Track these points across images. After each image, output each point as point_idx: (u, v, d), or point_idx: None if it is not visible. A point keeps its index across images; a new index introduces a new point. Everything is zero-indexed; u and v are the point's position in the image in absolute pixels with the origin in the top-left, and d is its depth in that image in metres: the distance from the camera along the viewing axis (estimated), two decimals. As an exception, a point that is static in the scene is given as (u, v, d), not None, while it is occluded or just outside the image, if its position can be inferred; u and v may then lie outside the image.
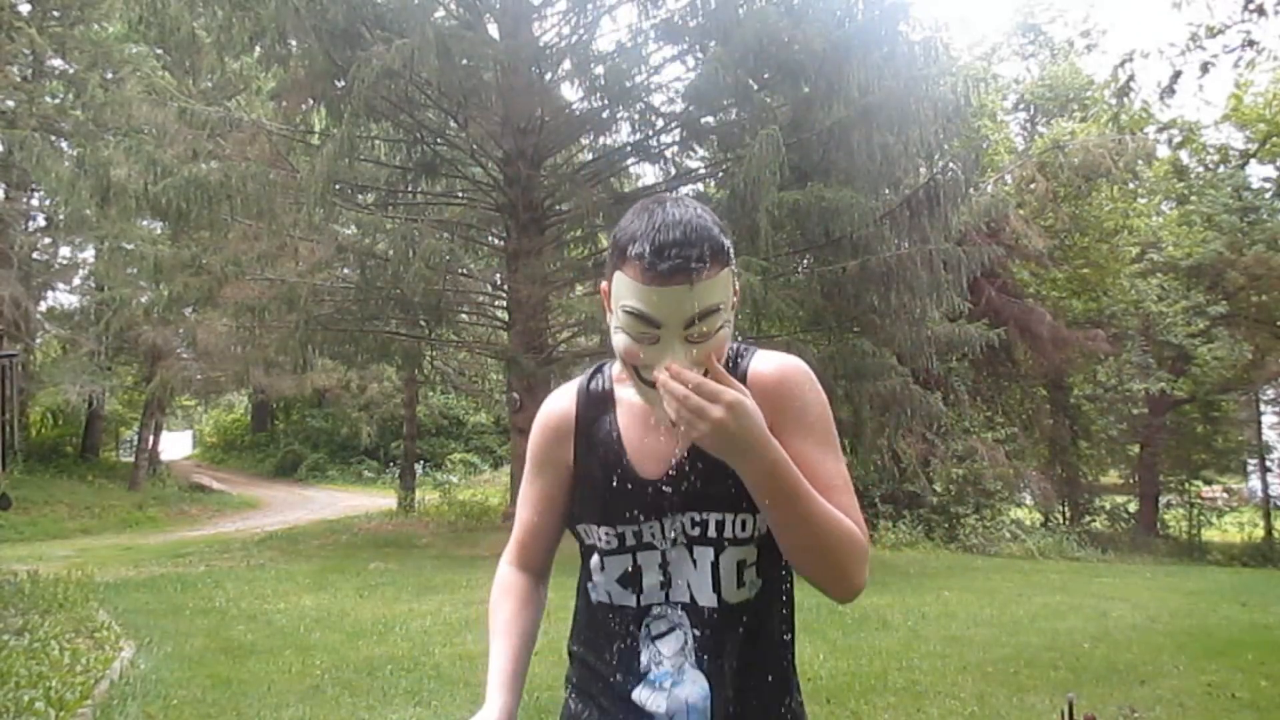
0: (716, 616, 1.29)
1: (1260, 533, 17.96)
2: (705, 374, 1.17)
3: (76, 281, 22.39)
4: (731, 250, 1.23)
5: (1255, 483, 20.49)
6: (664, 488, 1.29)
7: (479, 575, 9.05)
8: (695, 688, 1.29)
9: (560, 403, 1.39)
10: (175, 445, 31.47)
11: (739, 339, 1.37)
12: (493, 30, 12.20)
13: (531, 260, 11.95)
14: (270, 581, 8.69)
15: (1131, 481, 19.34)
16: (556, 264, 13.50)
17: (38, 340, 20.92)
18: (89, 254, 21.57)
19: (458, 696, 4.63)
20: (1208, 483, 19.33)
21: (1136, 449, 18.65)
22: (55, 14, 19.75)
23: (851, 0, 10.61)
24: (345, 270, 12.93)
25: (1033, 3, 22.80)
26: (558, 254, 13.78)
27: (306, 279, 11.52)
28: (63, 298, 22.87)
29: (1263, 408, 19.69)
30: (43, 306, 21.24)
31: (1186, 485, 18.42)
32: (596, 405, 1.37)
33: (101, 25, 19.80)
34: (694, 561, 1.30)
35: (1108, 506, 18.27)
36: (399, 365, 16.26)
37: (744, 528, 1.29)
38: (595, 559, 1.35)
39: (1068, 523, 16.68)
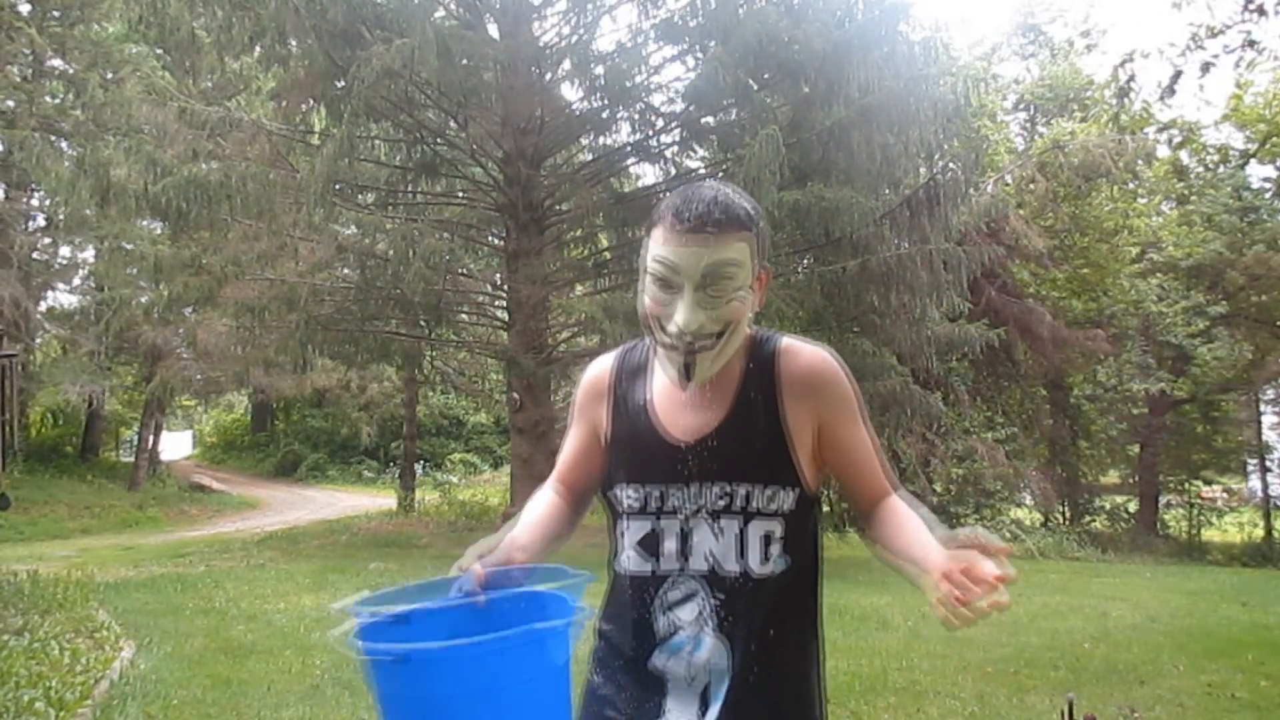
0: (739, 585, 1.34)
1: (1260, 533, 17.95)
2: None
3: (76, 281, 22.38)
4: (757, 225, 1.35)
5: (1255, 483, 20.47)
6: (691, 454, 1.36)
7: (479, 575, 9.03)
8: (715, 654, 1.34)
9: (601, 366, 1.52)
10: (175, 445, 31.44)
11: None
12: (493, 30, 12.19)
13: (531, 260, 11.95)
14: (270, 581, 8.69)
15: (1131, 481, 19.31)
16: (556, 264, 13.48)
17: (38, 340, 20.90)
18: (89, 254, 21.56)
19: (458, 696, 4.61)
20: (1208, 483, 19.30)
21: (1136, 449, 18.63)
22: (55, 14, 19.74)
23: (851, 0, 10.61)
24: (345, 270, 12.92)
25: (1033, 3, 22.83)
26: (558, 254, 13.77)
27: (306, 279, 11.51)
28: (63, 298, 22.88)
29: (1263, 408, 19.68)
30: (43, 306, 21.22)
31: (1186, 485, 18.39)
32: (633, 372, 1.47)
33: (101, 25, 19.79)
34: (719, 531, 1.35)
35: (1108, 506, 18.25)
36: (399, 365, 16.26)
37: (770, 501, 1.35)
38: (623, 522, 1.41)
39: (1068, 523, 16.67)
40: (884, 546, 1.37)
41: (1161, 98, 8.17)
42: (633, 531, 1.39)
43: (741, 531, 1.34)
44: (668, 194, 1.39)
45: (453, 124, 12.05)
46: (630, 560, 1.39)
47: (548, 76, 11.98)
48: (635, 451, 1.40)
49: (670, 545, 1.36)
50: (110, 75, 18.33)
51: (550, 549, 1.47)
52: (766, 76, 10.88)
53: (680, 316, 1.30)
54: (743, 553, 1.34)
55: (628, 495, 1.40)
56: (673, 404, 1.39)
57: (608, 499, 1.45)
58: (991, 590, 1.09)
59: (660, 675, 1.35)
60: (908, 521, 1.33)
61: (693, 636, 1.34)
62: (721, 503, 1.34)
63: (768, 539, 1.34)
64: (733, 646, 1.33)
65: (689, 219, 1.29)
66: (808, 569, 1.40)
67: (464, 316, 14.91)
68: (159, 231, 17.59)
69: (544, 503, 1.53)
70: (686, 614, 1.35)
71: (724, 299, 1.30)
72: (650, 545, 1.37)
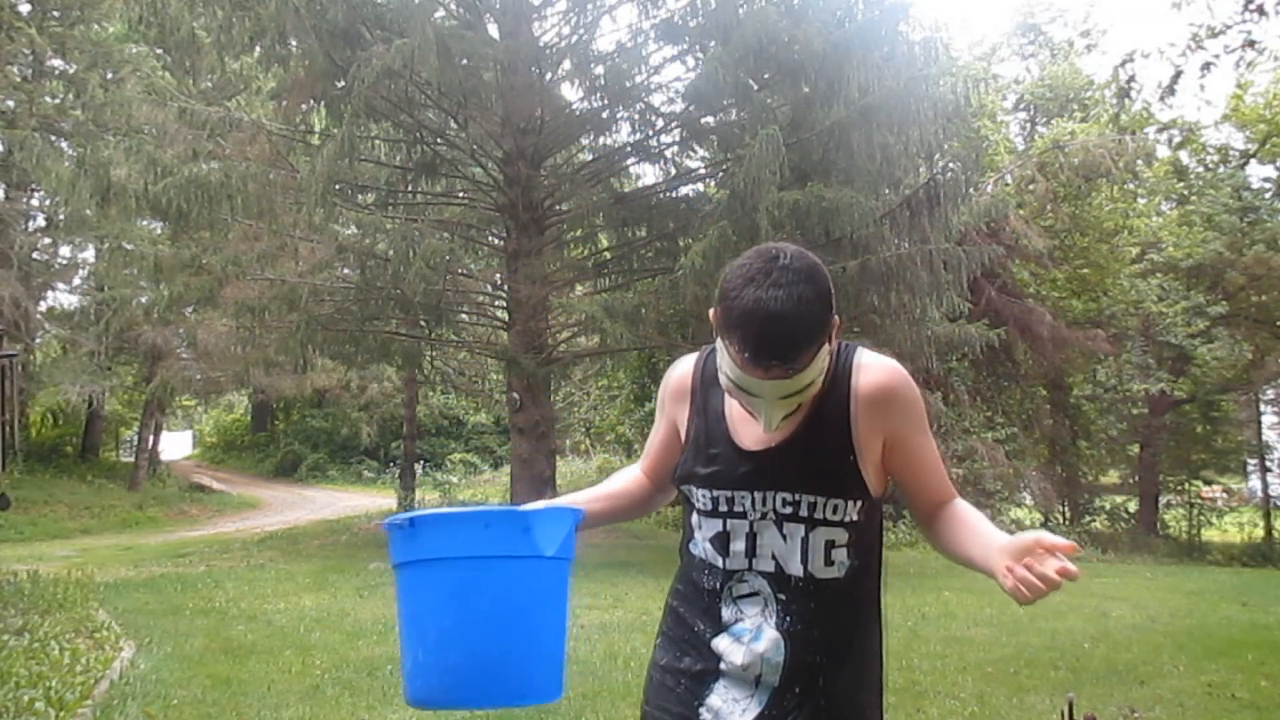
0: (801, 586, 1.40)
1: (1260, 533, 17.96)
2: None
3: (76, 281, 22.36)
4: (831, 310, 1.29)
5: (1255, 483, 20.49)
6: (760, 462, 1.40)
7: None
8: (772, 645, 1.39)
9: (684, 367, 1.56)
10: (175, 445, 31.45)
11: None
12: (493, 30, 12.18)
13: (531, 260, 11.94)
14: (270, 581, 8.69)
15: (1131, 481, 19.32)
16: (556, 264, 13.48)
17: (38, 340, 20.90)
18: (89, 254, 21.57)
19: (458, 696, 4.61)
20: (1208, 483, 19.31)
21: (1136, 449, 18.63)
22: (55, 14, 19.73)
23: (851, 0, 10.61)
24: (345, 270, 12.91)
25: (1033, 3, 22.81)
26: (558, 254, 13.77)
27: (306, 279, 11.51)
28: (63, 298, 22.86)
29: (1263, 408, 19.69)
30: (43, 306, 21.21)
31: (1186, 485, 18.41)
32: (710, 380, 1.49)
33: (101, 25, 19.80)
34: (784, 536, 1.40)
35: (1108, 506, 18.27)
36: (399, 365, 16.24)
37: (835, 511, 1.39)
38: (695, 517, 1.48)
39: (1068, 523, 16.67)
40: (950, 543, 1.42)
41: (1161, 98, 8.17)
42: (705, 529, 1.46)
43: (806, 537, 1.39)
44: (738, 280, 1.26)
45: (453, 124, 12.04)
46: (706, 552, 1.46)
47: (548, 76, 11.97)
48: (709, 456, 1.44)
49: (739, 545, 1.42)
50: (110, 75, 18.35)
51: (612, 512, 1.60)
52: (766, 76, 10.88)
53: (762, 422, 1.33)
54: (805, 558, 1.39)
55: (700, 496, 1.45)
56: (744, 414, 1.42)
57: (682, 491, 1.52)
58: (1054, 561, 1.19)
59: (719, 655, 1.43)
60: (973, 520, 1.39)
61: (754, 628, 1.41)
62: (787, 509, 1.39)
63: (830, 545, 1.40)
64: (790, 642, 1.39)
65: (766, 362, 1.24)
66: (871, 569, 1.46)
67: (464, 316, 14.90)
68: (159, 231, 17.59)
69: (626, 476, 1.64)
70: (751, 608, 1.42)
71: (803, 396, 1.32)
72: (721, 543, 1.44)
